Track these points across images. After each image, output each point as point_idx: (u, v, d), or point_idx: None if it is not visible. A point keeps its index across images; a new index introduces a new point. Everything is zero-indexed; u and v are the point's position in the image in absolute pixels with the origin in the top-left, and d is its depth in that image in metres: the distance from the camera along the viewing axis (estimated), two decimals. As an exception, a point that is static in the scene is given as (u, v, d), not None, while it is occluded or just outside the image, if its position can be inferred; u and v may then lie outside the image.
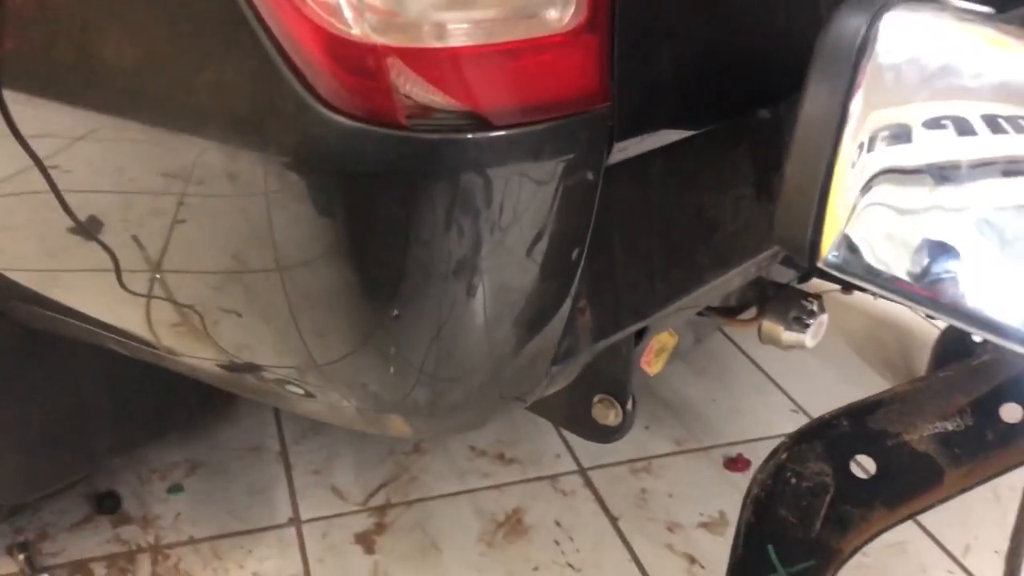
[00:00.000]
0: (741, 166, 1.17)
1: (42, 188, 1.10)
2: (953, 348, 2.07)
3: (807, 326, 1.47)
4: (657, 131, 1.00)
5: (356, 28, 0.81)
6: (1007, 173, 0.81)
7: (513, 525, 1.79)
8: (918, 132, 0.79)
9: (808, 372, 2.25)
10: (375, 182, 0.87)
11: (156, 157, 0.99)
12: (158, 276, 1.09)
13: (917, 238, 0.79)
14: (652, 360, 1.38)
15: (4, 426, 1.46)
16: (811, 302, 1.48)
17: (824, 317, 1.49)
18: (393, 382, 1.00)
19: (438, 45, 0.82)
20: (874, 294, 1.86)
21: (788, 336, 1.48)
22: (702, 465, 1.98)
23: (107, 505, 1.77)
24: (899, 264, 0.79)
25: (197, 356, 1.18)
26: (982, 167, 0.80)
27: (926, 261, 0.78)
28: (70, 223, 1.11)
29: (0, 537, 1.67)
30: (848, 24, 0.78)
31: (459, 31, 0.82)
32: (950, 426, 1.04)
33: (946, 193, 0.79)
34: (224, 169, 0.92)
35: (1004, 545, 1.24)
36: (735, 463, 1.97)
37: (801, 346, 1.49)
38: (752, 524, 1.12)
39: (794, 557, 1.10)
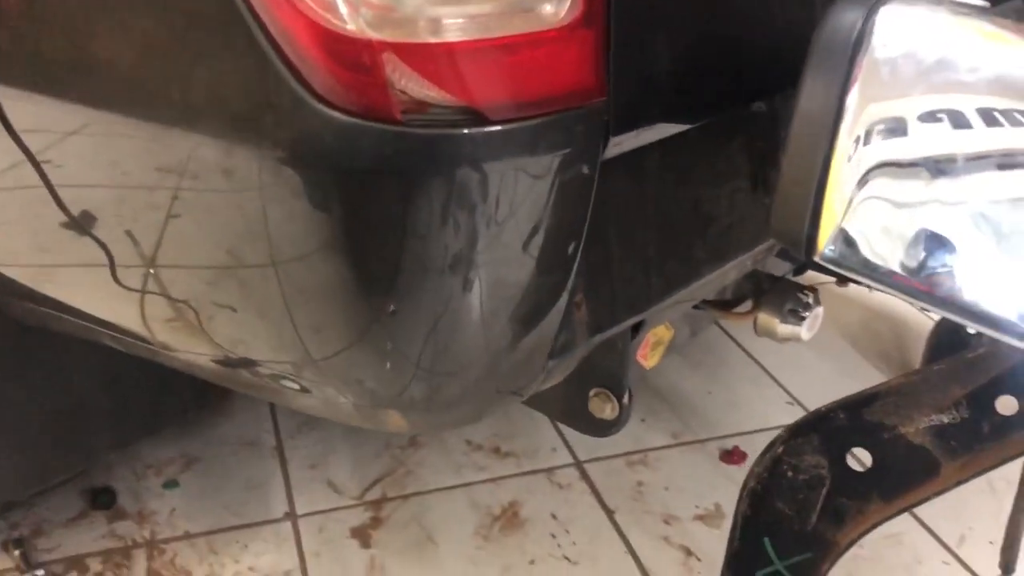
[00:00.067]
0: (737, 160, 1.17)
1: (35, 183, 1.09)
2: (948, 340, 2.07)
3: (803, 319, 1.47)
4: (653, 125, 1.00)
5: (351, 23, 0.81)
6: (1002, 166, 0.81)
7: (509, 518, 1.80)
8: (914, 126, 0.79)
9: (803, 365, 2.25)
10: (371, 177, 0.86)
11: (150, 152, 0.98)
12: (152, 271, 1.09)
13: (913, 232, 0.79)
14: (648, 353, 1.38)
15: (-1, 422, 1.46)
16: (807, 295, 1.48)
17: (820, 310, 1.49)
18: (390, 377, 0.99)
19: (433, 40, 0.81)
20: (870, 287, 1.86)
21: (784, 329, 1.48)
22: (698, 458, 1.98)
23: (103, 501, 1.76)
24: (895, 258, 0.79)
25: (192, 351, 1.18)
26: (978, 160, 0.80)
27: (922, 255, 0.79)
28: (63, 218, 1.11)
29: (-4, 533, 1.68)
30: (844, 18, 0.78)
31: (454, 26, 0.81)
32: (946, 419, 1.04)
33: (942, 187, 0.79)
34: (219, 164, 0.92)
35: (999, 536, 1.25)
36: (731, 456, 1.97)
37: (797, 339, 1.49)
38: (748, 517, 1.12)
39: (790, 550, 1.10)
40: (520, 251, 0.93)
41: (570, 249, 0.97)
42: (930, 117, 0.79)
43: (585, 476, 1.91)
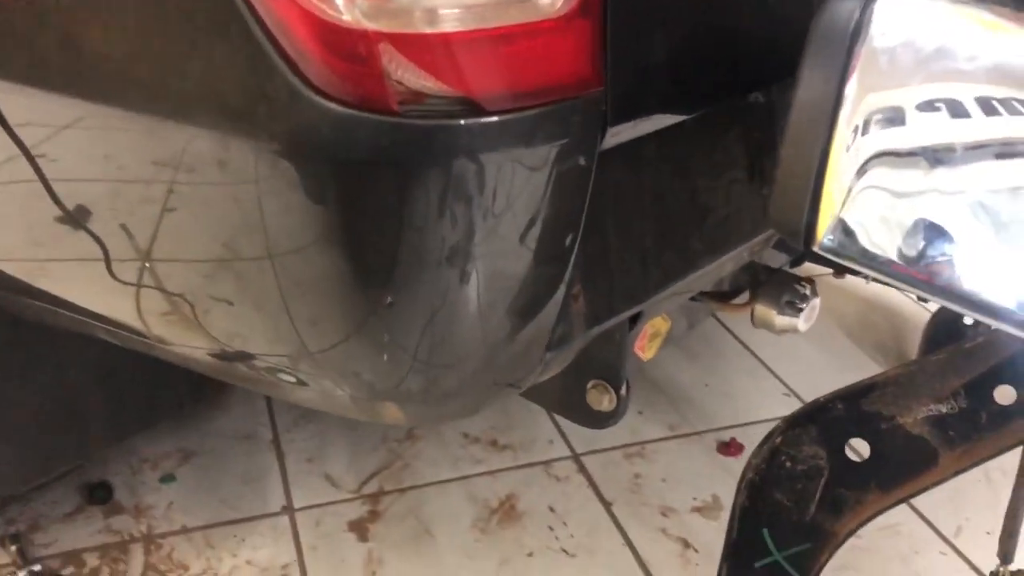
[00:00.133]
0: (734, 151, 1.17)
1: (30, 177, 1.09)
2: (945, 331, 2.07)
3: (800, 310, 1.47)
4: (650, 116, 1.00)
5: (347, 14, 0.80)
6: (1001, 155, 0.81)
7: (507, 511, 1.79)
8: (912, 115, 0.79)
9: (800, 356, 2.25)
10: (367, 169, 0.86)
11: (145, 145, 0.98)
12: (148, 265, 1.08)
13: (912, 221, 0.79)
14: (646, 345, 1.38)
15: (-5, 417, 1.46)
16: (804, 286, 1.48)
17: (816, 301, 1.49)
18: (387, 369, 0.99)
19: (430, 30, 0.81)
20: (867, 277, 1.86)
21: (781, 320, 1.49)
22: (695, 450, 1.98)
23: (99, 495, 1.76)
24: (895, 247, 0.79)
25: (188, 345, 1.17)
26: (976, 150, 0.80)
27: (921, 244, 0.78)
28: (58, 212, 1.10)
29: (-8, 529, 1.67)
30: (842, 7, 0.77)
31: (451, 16, 0.81)
32: (944, 409, 1.04)
33: (941, 176, 0.79)
34: (214, 157, 0.92)
35: (995, 526, 1.25)
36: (728, 447, 1.97)
37: (794, 330, 1.49)
38: (747, 508, 1.12)
39: (789, 541, 1.10)
40: (517, 242, 0.92)
41: (567, 240, 0.96)
42: (929, 106, 0.79)
43: (582, 469, 1.91)
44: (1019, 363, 1.02)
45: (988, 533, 1.75)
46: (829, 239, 0.80)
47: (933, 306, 2.20)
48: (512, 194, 0.89)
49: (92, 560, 1.65)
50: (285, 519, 1.75)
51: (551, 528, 1.76)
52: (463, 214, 0.87)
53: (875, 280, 1.83)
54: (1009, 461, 1.15)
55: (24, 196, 1.13)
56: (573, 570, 1.68)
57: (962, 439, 1.04)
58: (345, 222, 0.89)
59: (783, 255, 1.56)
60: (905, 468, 1.07)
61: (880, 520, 1.11)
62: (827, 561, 1.11)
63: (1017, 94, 0.79)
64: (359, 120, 0.83)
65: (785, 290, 1.48)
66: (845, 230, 0.79)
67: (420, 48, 0.81)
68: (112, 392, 1.56)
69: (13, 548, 1.61)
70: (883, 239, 0.79)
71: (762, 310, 1.49)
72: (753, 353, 2.28)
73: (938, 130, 0.79)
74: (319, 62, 0.82)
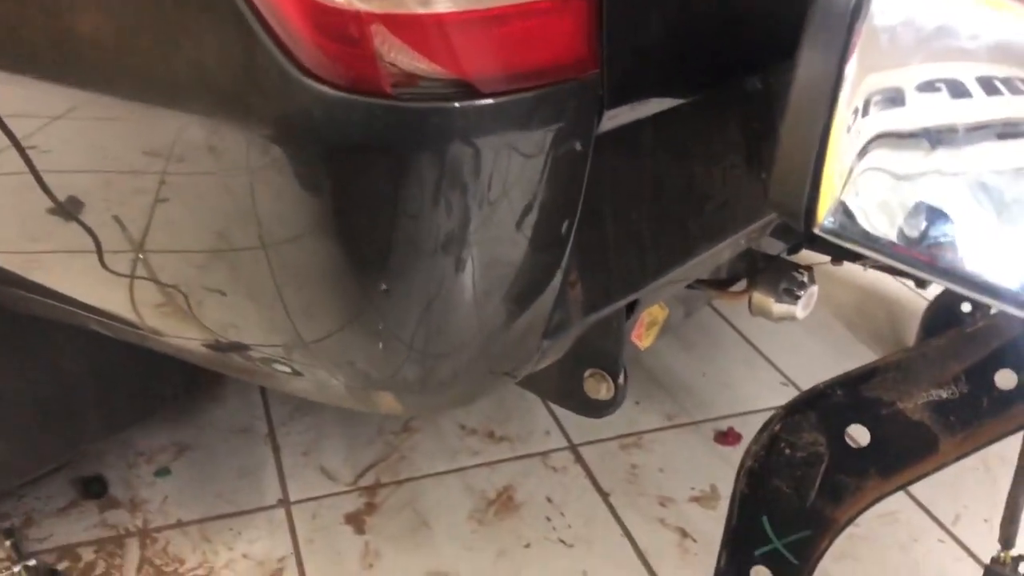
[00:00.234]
0: (732, 135, 1.16)
1: (20, 169, 1.08)
2: (943, 319, 2.07)
3: (797, 297, 1.46)
4: (647, 99, 0.99)
5: (339, -6, 0.79)
6: (1003, 136, 0.80)
7: (504, 502, 1.79)
8: (913, 95, 0.78)
9: (797, 345, 2.25)
10: (360, 153, 0.85)
11: (136, 134, 0.97)
12: (141, 256, 1.08)
13: (914, 202, 0.78)
14: (643, 334, 1.37)
15: (-13, 410, 1.45)
16: (801, 273, 1.47)
17: (814, 288, 1.48)
18: (382, 358, 0.98)
19: (423, 11, 0.80)
20: (865, 264, 1.85)
21: (778, 308, 1.47)
22: (693, 439, 1.98)
23: (94, 489, 1.75)
24: (896, 229, 0.78)
25: (182, 336, 1.17)
26: (978, 130, 0.79)
27: (923, 225, 0.78)
28: (50, 204, 1.10)
29: (-15, 523, 1.66)
30: (842, -14, 0.76)
31: (445, -4, 0.80)
32: (944, 394, 1.04)
33: (943, 157, 0.78)
34: (206, 144, 0.91)
35: (993, 514, 1.24)
36: (726, 437, 1.97)
37: (791, 317, 1.48)
38: (746, 495, 1.12)
39: (788, 528, 1.10)
40: (513, 228, 0.91)
41: (564, 226, 0.95)
42: (930, 86, 0.78)
43: (580, 459, 1.90)
44: (1020, 347, 1.02)
45: (986, 521, 1.75)
46: (830, 221, 0.79)
47: (930, 294, 2.20)
48: (508, 179, 0.88)
49: (88, 554, 1.64)
50: (281, 512, 1.74)
51: (549, 519, 1.75)
52: (458, 199, 0.86)
53: (874, 266, 1.83)
54: (1008, 449, 1.14)
55: (15, 188, 1.12)
56: (571, 561, 1.67)
57: (963, 424, 1.04)
58: (338, 208, 0.88)
59: (781, 242, 1.55)
60: (905, 454, 1.06)
61: (878, 508, 1.11)
62: (827, 548, 1.10)
63: (1019, 73, 0.79)
64: (351, 103, 0.82)
65: (783, 277, 1.47)
66: (846, 212, 0.79)
67: (413, 29, 0.80)
68: (106, 384, 1.55)
69: (8, 543, 1.60)
70: (884, 221, 0.78)
71: (759, 297, 1.48)
72: (750, 342, 2.27)
73: (939, 110, 0.78)
74: (310, 44, 0.81)
